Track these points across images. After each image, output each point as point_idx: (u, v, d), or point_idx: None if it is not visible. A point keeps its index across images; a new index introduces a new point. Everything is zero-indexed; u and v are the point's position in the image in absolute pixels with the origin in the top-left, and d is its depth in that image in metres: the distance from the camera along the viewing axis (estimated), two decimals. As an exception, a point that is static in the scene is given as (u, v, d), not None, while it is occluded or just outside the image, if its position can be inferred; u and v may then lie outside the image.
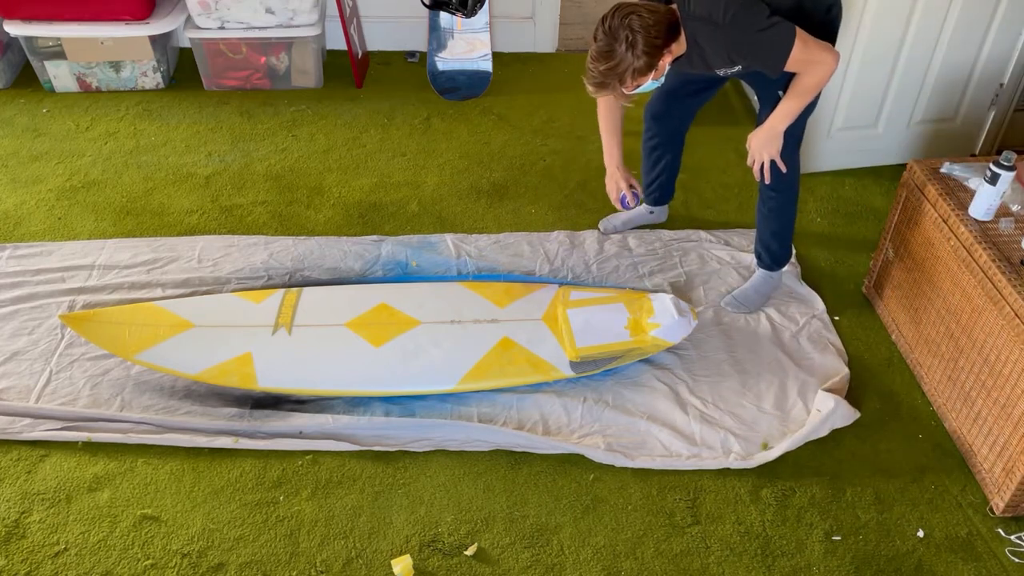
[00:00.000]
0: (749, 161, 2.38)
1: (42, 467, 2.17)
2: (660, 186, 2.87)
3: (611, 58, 2.03)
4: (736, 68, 2.17)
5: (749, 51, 2.11)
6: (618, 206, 2.64)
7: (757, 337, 2.56)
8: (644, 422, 2.29)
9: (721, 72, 2.21)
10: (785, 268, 2.70)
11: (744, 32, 2.07)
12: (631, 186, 2.59)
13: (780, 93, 2.25)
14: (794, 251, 2.88)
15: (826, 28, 2.20)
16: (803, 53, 2.07)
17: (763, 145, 2.32)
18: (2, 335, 2.48)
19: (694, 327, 2.48)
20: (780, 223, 2.56)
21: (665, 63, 2.11)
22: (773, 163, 2.35)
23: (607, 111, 2.51)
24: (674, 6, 2.11)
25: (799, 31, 2.06)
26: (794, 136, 2.36)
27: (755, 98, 3.62)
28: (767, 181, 2.40)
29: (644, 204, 2.94)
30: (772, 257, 2.63)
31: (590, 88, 2.12)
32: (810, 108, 2.31)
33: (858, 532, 2.09)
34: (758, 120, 2.40)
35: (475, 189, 3.14)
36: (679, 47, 2.13)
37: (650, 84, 2.14)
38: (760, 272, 2.68)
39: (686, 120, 2.72)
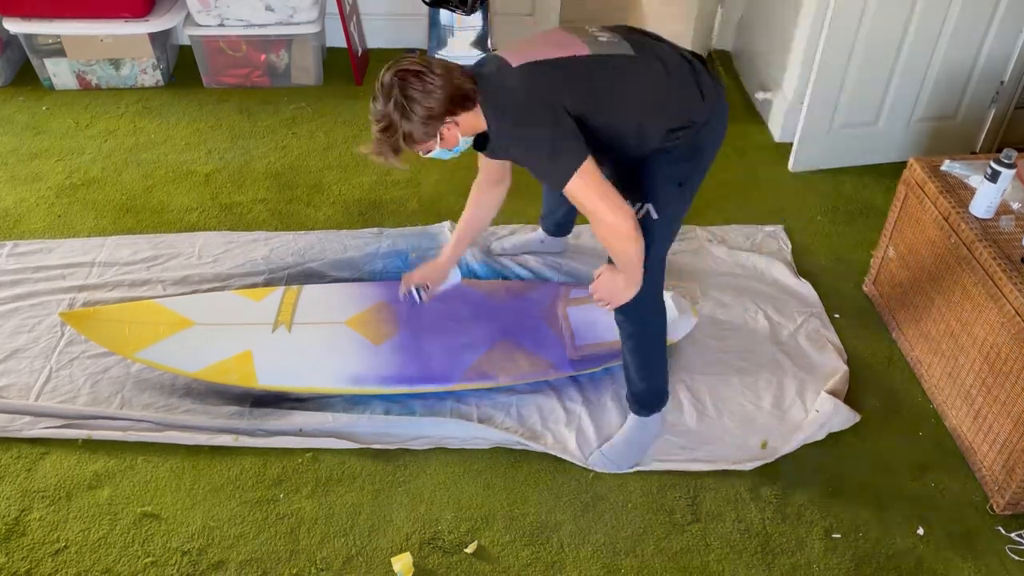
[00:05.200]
0: (590, 292, 2.01)
1: (42, 465, 2.17)
2: (556, 223, 2.66)
3: (381, 120, 1.79)
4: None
5: (515, 145, 1.84)
6: (401, 292, 2.33)
7: (755, 336, 2.55)
8: (644, 420, 2.29)
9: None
10: (664, 408, 2.20)
11: (517, 126, 1.80)
12: (426, 287, 2.32)
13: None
14: (790, 245, 2.87)
15: (675, 161, 1.88)
16: (581, 194, 1.77)
17: (614, 293, 1.95)
18: (2, 333, 2.48)
19: (694, 325, 2.48)
20: (644, 357, 2.11)
21: (454, 135, 1.84)
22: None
23: (474, 209, 2.28)
24: (475, 76, 1.83)
25: (589, 169, 1.74)
26: (655, 258, 1.95)
27: (756, 95, 3.62)
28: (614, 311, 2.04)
29: (539, 231, 2.74)
30: (641, 399, 2.17)
31: (372, 156, 1.85)
32: (667, 236, 2.01)
33: (858, 530, 2.09)
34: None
35: (475, 187, 3.14)
36: (474, 121, 1.84)
37: (440, 152, 1.88)
38: (632, 419, 2.21)
39: None
